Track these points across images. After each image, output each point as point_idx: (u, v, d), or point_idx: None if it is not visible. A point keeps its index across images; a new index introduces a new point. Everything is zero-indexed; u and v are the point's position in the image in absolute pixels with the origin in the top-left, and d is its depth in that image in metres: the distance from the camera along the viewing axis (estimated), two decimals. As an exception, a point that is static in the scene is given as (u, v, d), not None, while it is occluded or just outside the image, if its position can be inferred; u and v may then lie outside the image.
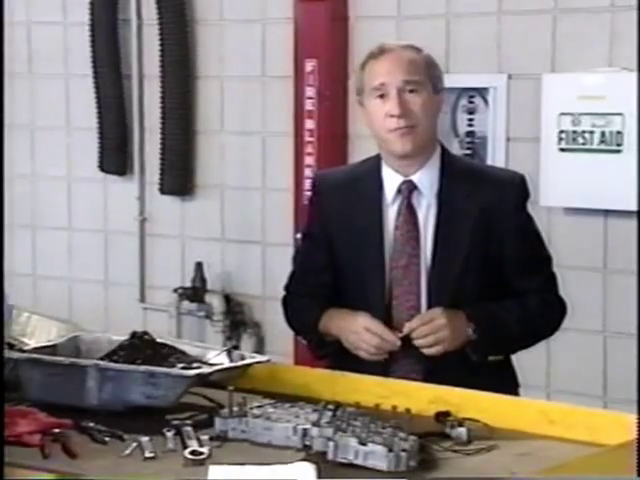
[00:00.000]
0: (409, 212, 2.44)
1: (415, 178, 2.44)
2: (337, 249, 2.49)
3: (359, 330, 2.39)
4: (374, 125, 2.43)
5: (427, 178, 2.44)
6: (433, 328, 2.35)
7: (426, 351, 2.37)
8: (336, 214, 2.49)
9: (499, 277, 2.44)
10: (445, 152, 2.49)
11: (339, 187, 2.52)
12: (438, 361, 2.39)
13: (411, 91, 2.39)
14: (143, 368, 2.20)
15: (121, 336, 2.40)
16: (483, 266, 2.42)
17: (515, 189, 2.46)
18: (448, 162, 2.47)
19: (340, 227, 2.48)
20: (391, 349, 2.39)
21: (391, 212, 2.45)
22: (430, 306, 2.41)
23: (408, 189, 2.44)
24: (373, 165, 2.50)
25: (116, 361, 2.27)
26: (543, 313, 2.47)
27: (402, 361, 2.44)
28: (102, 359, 2.29)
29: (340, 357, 2.48)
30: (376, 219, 2.44)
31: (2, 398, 1.94)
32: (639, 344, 3.35)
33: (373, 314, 2.42)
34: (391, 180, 2.46)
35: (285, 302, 2.63)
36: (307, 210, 2.67)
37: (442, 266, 2.41)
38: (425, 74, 2.42)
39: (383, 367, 2.41)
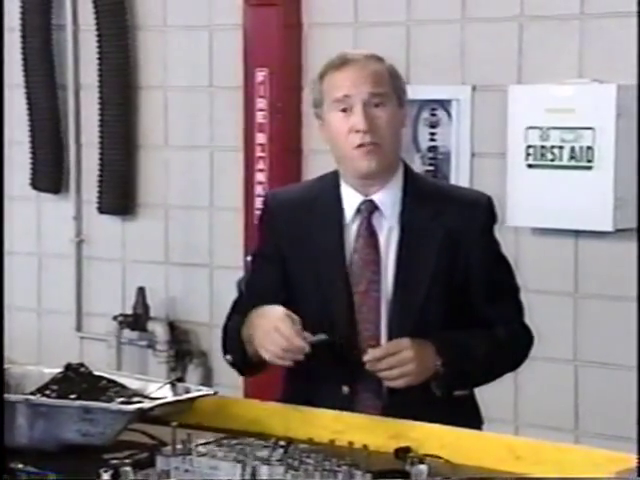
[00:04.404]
0: (369, 234, 2.44)
1: (376, 198, 2.45)
2: (293, 273, 2.48)
3: (269, 329, 2.31)
4: (335, 141, 2.43)
5: (389, 198, 2.45)
6: (400, 361, 2.33)
7: (388, 383, 2.37)
8: (291, 236, 2.47)
9: (464, 305, 2.45)
10: (408, 170, 2.50)
11: (294, 207, 2.50)
12: (398, 395, 2.39)
13: (377, 105, 2.40)
14: (78, 403, 2.19)
15: (54, 368, 2.38)
16: (448, 293, 2.43)
17: (483, 211, 2.48)
18: (411, 181, 2.48)
19: (296, 250, 2.47)
20: (297, 357, 2.30)
21: (349, 234, 2.45)
22: (391, 335, 2.41)
23: (368, 210, 2.45)
24: (330, 182, 2.50)
25: (48, 396, 2.26)
26: (512, 346, 2.49)
27: (360, 395, 2.44)
28: (33, 394, 2.27)
29: (295, 389, 2.48)
30: (336, 241, 2.44)
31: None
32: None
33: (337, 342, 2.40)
34: (350, 199, 2.46)
35: (225, 330, 2.57)
36: (257, 232, 2.64)
37: (405, 293, 2.41)
38: (390, 86, 2.43)
39: (341, 400, 2.40)
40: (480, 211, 2.47)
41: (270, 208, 2.55)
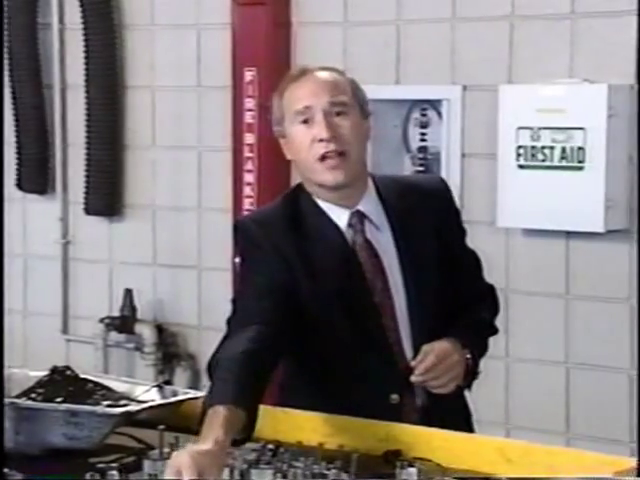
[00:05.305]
0: (367, 245, 2.43)
1: (362, 208, 2.44)
2: (309, 299, 2.36)
3: (172, 464, 1.94)
4: (299, 155, 2.40)
5: (372, 206, 2.45)
6: (449, 367, 2.35)
7: (438, 390, 2.36)
8: (295, 259, 2.37)
9: (455, 288, 2.49)
10: (374, 176, 2.51)
11: (283, 230, 2.40)
12: (434, 396, 2.38)
13: (338, 114, 2.38)
14: (64, 407, 2.18)
15: (40, 371, 2.38)
16: (448, 284, 2.46)
17: (449, 193, 2.54)
18: (381, 185, 2.49)
19: (307, 275, 2.37)
20: None
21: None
22: (416, 340, 2.40)
23: (360, 221, 2.44)
24: (307, 200, 2.43)
25: (34, 399, 2.25)
26: (494, 310, 2.58)
27: (405, 400, 2.41)
28: (18, 397, 2.27)
29: (337, 396, 2.40)
30: (348, 258, 2.40)
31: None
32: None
33: (379, 356, 2.40)
34: (336, 214, 2.43)
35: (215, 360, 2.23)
36: (246, 264, 2.42)
37: (419, 296, 2.42)
38: (352, 96, 2.42)
39: (390, 408, 2.37)
40: (449, 197, 2.53)
41: (256, 234, 2.40)
